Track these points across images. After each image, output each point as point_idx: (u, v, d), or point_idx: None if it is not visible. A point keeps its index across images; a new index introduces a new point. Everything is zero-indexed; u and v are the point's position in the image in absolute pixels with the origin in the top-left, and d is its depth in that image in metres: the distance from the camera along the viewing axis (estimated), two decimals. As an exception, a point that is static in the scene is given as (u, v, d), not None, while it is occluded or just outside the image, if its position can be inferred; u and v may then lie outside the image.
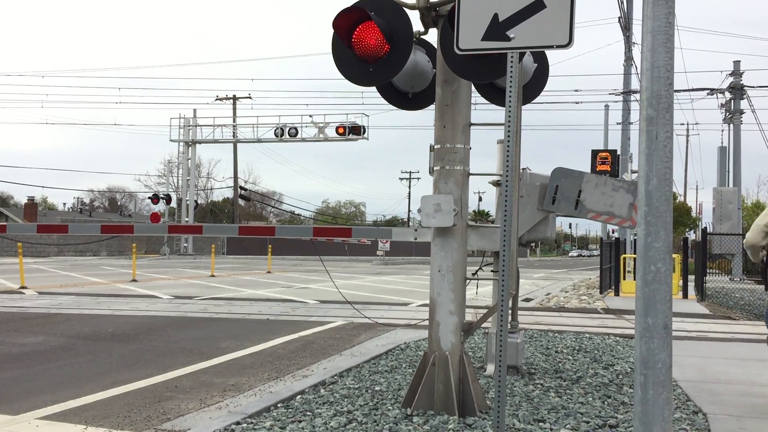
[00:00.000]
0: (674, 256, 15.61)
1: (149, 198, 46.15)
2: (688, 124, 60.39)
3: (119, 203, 76.94)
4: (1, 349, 8.01)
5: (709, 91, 29.84)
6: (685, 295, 16.60)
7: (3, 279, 19.58)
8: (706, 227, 20.13)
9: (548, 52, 5.85)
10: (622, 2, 24.58)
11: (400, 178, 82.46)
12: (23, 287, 16.34)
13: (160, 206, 44.89)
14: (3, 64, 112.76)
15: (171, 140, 46.21)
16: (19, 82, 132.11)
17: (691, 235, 44.59)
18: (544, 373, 6.64)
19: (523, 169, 6.21)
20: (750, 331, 10.72)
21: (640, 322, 2.99)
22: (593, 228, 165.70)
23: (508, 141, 4.05)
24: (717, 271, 23.53)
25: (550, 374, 6.58)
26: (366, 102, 44.86)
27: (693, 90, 29.44)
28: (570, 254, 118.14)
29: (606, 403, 5.47)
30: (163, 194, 45.58)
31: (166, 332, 9.60)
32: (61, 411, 5.22)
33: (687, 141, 53.22)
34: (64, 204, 75.39)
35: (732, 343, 9.25)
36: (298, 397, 5.45)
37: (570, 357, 7.59)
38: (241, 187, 56.18)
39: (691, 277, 18.03)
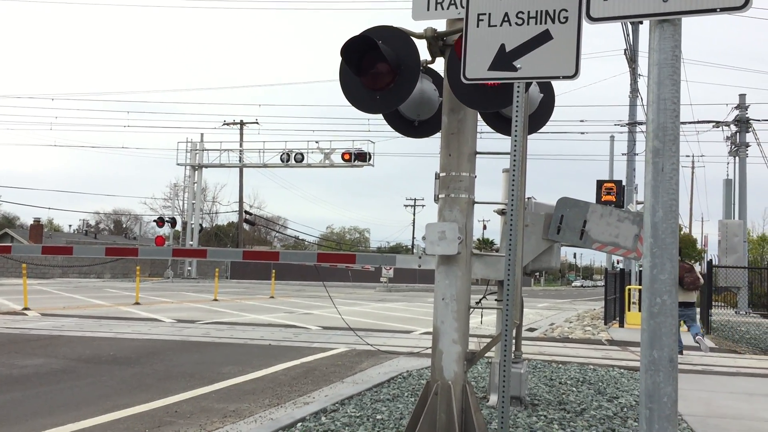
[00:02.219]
0: (679, 288, 15.49)
1: (154, 221, 46.23)
2: (693, 156, 60.45)
3: (124, 226, 77.10)
4: (2, 371, 7.97)
5: (714, 123, 29.93)
6: (691, 328, 16.45)
7: (6, 300, 19.56)
8: (711, 260, 20.00)
9: (554, 83, 5.88)
10: (628, 35, 24.78)
11: (404, 205, 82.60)
12: (26, 308, 16.32)
13: (165, 229, 44.93)
14: (14, 86, 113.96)
15: (178, 164, 46.40)
16: (29, 104, 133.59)
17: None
18: (547, 404, 6.57)
19: (528, 198, 6.21)
20: (756, 365, 10.61)
21: (646, 354, 2.96)
22: (598, 258, 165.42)
23: (514, 170, 4.05)
24: (722, 304, 23.40)
25: (553, 406, 6.51)
26: (372, 129, 45.15)
27: (699, 122, 29.51)
28: (573, 284, 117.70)
29: (610, 436, 5.40)
30: (169, 217, 45.61)
31: (168, 356, 9.56)
32: (59, 434, 5.18)
33: (692, 173, 53.34)
34: (70, 226, 75.56)
35: (738, 377, 9.15)
36: (299, 424, 5.40)
37: (574, 389, 7.52)
38: (246, 212, 56.35)
39: (697, 310, 17.89)
